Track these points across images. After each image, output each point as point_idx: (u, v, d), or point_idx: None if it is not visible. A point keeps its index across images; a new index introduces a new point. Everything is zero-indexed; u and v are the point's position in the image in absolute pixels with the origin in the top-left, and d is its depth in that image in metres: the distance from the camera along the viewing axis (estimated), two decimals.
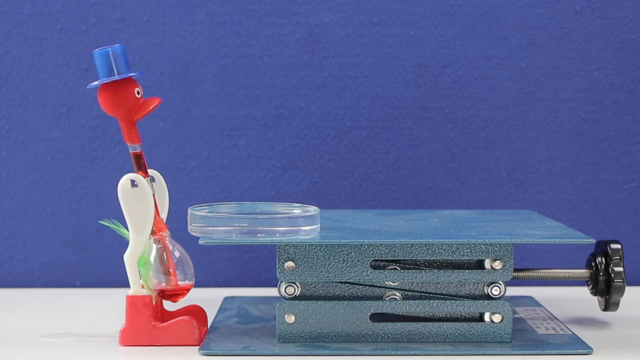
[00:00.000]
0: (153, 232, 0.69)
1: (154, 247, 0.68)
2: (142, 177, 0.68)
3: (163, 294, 0.69)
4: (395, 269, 0.69)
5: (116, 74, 0.67)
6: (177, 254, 0.69)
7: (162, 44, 0.90)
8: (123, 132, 0.68)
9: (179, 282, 0.69)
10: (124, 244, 0.69)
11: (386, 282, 0.69)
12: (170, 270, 0.69)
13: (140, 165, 0.68)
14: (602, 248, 0.75)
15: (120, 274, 0.74)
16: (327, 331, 0.68)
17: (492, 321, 0.69)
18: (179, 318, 0.69)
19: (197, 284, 0.91)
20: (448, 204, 0.92)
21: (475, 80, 0.91)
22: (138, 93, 0.68)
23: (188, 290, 0.69)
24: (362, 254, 0.68)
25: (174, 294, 0.69)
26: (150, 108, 0.68)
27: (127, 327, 0.68)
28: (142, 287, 0.69)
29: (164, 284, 0.68)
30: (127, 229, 0.69)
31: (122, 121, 0.68)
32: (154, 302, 0.69)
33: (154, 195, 0.69)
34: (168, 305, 0.72)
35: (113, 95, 0.67)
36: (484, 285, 0.69)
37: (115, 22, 0.90)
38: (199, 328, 0.69)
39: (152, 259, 0.68)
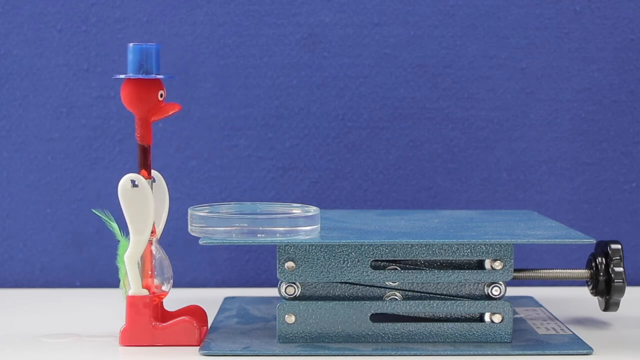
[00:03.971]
0: None
1: None
2: (142, 178, 0.68)
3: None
4: (396, 269, 0.69)
5: (145, 73, 0.67)
6: (158, 257, 0.69)
7: (162, 44, 0.90)
8: (136, 129, 0.68)
9: (154, 289, 0.69)
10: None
11: (386, 283, 0.69)
12: (149, 272, 0.69)
13: (146, 161, 0.68)
14: (602, 248, 0.75)
15: None
16: (327, 331, 0.68)
17: (492, 321, 0.69)
18: (179, 318, 0.69)
19: (197, 284, 0.92)
20: (448, 204, 0.92)
21: (476, 81, 0.91)
22: (161, 96, 0.68)
23: (160, 298, 0.70)
24: (363, 254, 0.68)
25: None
26: (169, 113, 0.68)
27: (127, 327, 0.68)
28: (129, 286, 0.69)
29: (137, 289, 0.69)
30: (117, 223, 0.69)
31: (138, 119, 0.68)
32: (124, 296, 0.69)
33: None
34: (168, 305, 0.72)
35: (136, 93, 0.67)
36: (484, 285, 0.69)
37: (115, 22, 0.90)
38: (199, 328, 0.69)
39: None
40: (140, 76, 0.67)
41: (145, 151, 0.68)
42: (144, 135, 0.68)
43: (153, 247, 0.69)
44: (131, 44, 0.67)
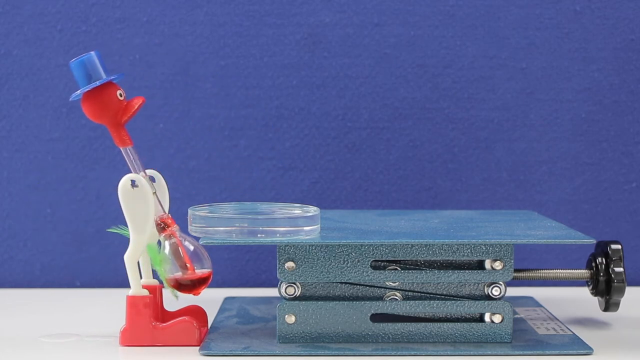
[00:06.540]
0: (163, 230, 0.68)
1: (167, 243, 0.68)
2: (142, 178, 0.68)
3: (181, 287, 0.68)
4: (396, 269, 0.69)
5: (94, 81, 0.66)
6: (190, 247, 0.68)
7: (162, 44, 0.90)
8: (113, 137, 0.68)
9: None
10: (124, 244, 0.69)
11: (386, 283, 0.69)
12: (188, 264, 0.68)
13: (136, 163, 0.68)
14: (602, 248, 0.75)
15: (120, 274, 0.74)
16: (327, 331, 0.68)
17: (492, 321, 0.69)
18: (179, 318, 0.69)
19: None
20: (448, 204, 0.92)
21: (476, 81, 0.91)
22: (120, 95, 0.67)
23: (206, 279, 0.68)
24: (363, 254, 0.68)
25: (193, 284, 0.68)
26: (135, 108, 0.67)
27: (127, 327, 0.68)
28: (162, 287, 0.68)
29: (180, 274, 0.68)
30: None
31: (110, 126, 0.67)
32: (176, 299, 0.68)
33: (154, 193, 0.68)
34: (168, 306, 0.72)
35: (96, 103, 0.67)
36: (485, 285, 0.69)
37: (115, 22, 0.90)
38: (199, 328, 0.69)
39: (167, 254, 0.68)
40: (90, 85, 0.66)
41: (129, 154, 0.68)
42: (122, 139, 0.68)
43: (180, 237, 0.68)
44: (71, 61, 0.66)
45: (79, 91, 0.66)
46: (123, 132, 0.68)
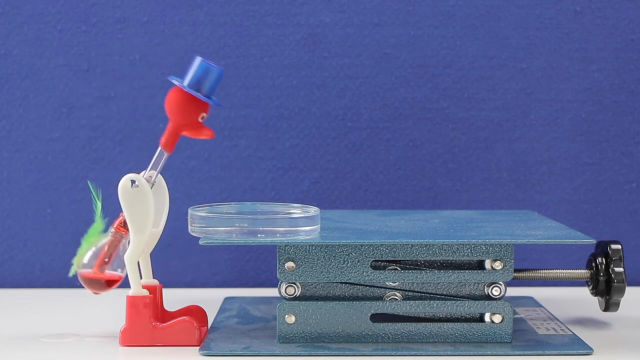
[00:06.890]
0: (121, 227, 0.69)
1: (109, 236, 0.69)
2: (142, 178, 0.68)
3: (87, 282, 0.70)
4: (396, 269, 0.69)
5: (199, 91, 0.67)
6: (121, 254, 0.70)
7: (162, 44, 0.90)
8: (165, 134, 0.68)
9: (106, 274, 0.70)
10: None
11: (386, 283, 0.69)
12: (107, 260, 0.69)
13: (157, 166, 0.69)
14: (602, 248, 0.75)
15: None
16: (327, 331, 0.68)
17: (492, 321, 0.69)
18: (179, 318, 0.69)
19: (197, 284, 0.92)
20: (448, 204, 0.92)
21: (476, 81, 0.91)
22: (202, 118, 0.68)
23: (111, 282, 0.70)
24: (363, 254, 0.68)
25: (94, 282, 0.70)
26: (201, 137, 0.68)
27: (127, 328, 0.68)
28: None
29: (91, 272, 0.69)
30: (100, 200, 0.70)
31: (171, 127, 0.68)
32: (70, 274, 0.70)
33: None
34: (168, 306, 0.72)
35: (182, 104, 0.67)
36: (485, 285, 0.69)
37: (115, 22, 0.90)
38: (199, 328, 0.69)
39: (99, 243, 0.69)
40: (193, 92, 0.67)
41: (161, 158, 0.69)
42: (168, 143, 0.68)
43: (120, 245, 0.70)
44: (200, 58, 0.67)
45: (178, 83, 0.67)
46: (175, 140, 0.69)
